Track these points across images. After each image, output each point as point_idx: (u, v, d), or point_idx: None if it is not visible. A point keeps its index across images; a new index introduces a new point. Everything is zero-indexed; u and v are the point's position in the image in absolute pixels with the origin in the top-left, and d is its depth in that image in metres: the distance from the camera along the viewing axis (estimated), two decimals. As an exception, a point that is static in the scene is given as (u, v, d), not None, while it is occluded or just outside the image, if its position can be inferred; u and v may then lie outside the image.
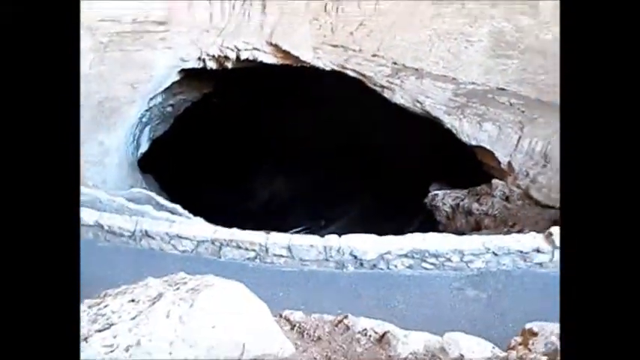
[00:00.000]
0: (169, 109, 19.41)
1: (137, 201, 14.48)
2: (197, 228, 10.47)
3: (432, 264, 9.14)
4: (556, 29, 14.51)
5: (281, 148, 24.22)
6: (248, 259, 9.59)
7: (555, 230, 9.22)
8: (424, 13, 14.92)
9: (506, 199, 15.04)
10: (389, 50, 15.20)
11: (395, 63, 15.29)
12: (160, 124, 19.55)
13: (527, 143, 14.75)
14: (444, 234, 9.74)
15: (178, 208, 15.61)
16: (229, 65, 16.33)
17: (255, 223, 19.33)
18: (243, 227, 17.36)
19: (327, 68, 15.70)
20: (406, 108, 15.55)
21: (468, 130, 15.06)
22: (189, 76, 17.66)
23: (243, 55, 15.80)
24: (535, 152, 14.72)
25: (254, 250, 9.51)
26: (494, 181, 15.33)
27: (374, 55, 15.29)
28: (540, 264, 9.21)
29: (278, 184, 24.49)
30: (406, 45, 15.12)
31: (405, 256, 9.13)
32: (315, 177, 22.82)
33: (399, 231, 12.02)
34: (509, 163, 14.95)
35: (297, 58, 15.54)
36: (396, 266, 9.18)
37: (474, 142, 15.17)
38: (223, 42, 15.63)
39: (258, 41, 15.59)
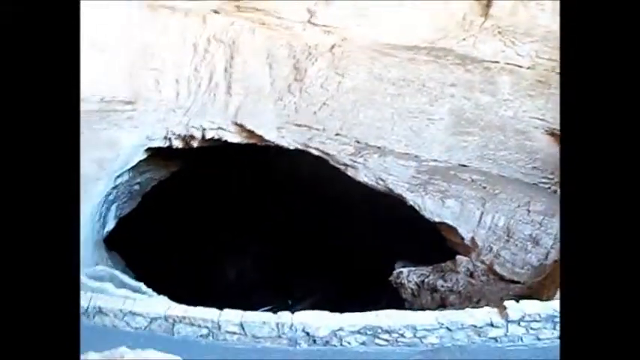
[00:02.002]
0: (136, 187, 19.38)
1: (100, 279, 14.33)
2: (150, 304, 10.31)
3: (385, 340, 9.12)
4: (514, 105, 14.93)
5: (249, 225, 24.20)
6: (201, 336, 9.48)
7: (509, 304, 9.26)
8: (386, 93, 15.26)
9: (471, 275, 15.07)
10: (352, 129, 15.46)
11: (358, 141, 15.52)
12: (127, 202, 19.48)
13: (489, 219, 14.90)
14: (397, 310, 9.65)
15: (142, 286, 15.44)
16: (195, 144, 16.44)
17: (223, 300, 19.26)
18: (209, 305, 17.29)
19: (291, 147, 15.86)
20: (369, 186, 15.68)
21: (430, 206, 15.18)
22: (156, 154, 17.75)
23: (209, 135, 15.93)
24: (498, 227, 14.85)
25: (207, 327, 9.44)
26: (459, 257, 15.39)
27: (337, 134, 15.52)
28: (495, 338, 9.18)
29: (246, 261, 24.36)
30: (369, 123, 15.40)
31: (358, 332, 9.11)
32: (282, 255, 22.78)
33: (366, 310, 12.01)
34: (473, 238, 15.04)
35: (261, 137, 15.72)
36: (349, 343, 9.12)
37: (437, 219, 15.27)
38: (189, 121, 15.77)
39: (224, 121, 15.76)
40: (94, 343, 5.12)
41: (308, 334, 9.14)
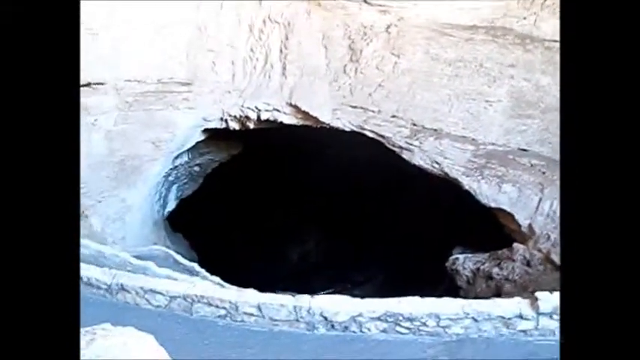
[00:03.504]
0: (197, 168, 19.65)
1: (154, 258, 14.57)
2: (170, 283, 10.26)
3: (406, 328, 8.66)
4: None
5: (311, 209, 24.20)
6: (219, 316, 9.34)
7: (541, 295, 8.71)
8: (442, 74, 14.86)
9: (528, 263, 14.48)
10: (407, 111, 15.14)
11: (414, 124, 15.19)
12: (188, 183, 19.78)
13: (547, 205, 14.26)
14: (420, 298, 9.19)
15: (195, 266, 15.61)
16: (251, 125, 16.48)
17: (283, 284, 19.38)
18: (271, 289, 17.40)
19: (347, 129, 15.68)
20: (424, 169, 15.33)
21: (487, 191, 14.70)
22: (215, 136, 17.92)
23: (264, 116, 15.94)
24: (556, 214, 14.20)
25: (224, 308, 9.27)
26: (515, 244, 14.81)
27: (393, 116, 15.23)
28: (524, 331, 8.66)
29: (309, 245, 24.38)
30: (425, 105, 15.04)
31: (379, 319, 8.70)
32: (343, 240, 22.65)
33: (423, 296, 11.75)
34: (530, 225, 14.45)
35: (316, 119, 15.59)
36: (369, 329, 8.77)
37: (493, 204, 14.77)
38: (244, 103, 15.82)
39: (279, 102, 15.72)
40: (114, 319, 5.16)
41: (326, 318, 8.85)
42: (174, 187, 19.04)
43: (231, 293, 9.58)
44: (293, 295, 9.40)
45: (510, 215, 14.70)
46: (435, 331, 8.67)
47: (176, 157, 17.37)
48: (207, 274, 15.54)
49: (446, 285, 17.03)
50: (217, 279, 15.34)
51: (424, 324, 8.63)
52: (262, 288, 16.77)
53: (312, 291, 18.90)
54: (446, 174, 15.07)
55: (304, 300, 9.09)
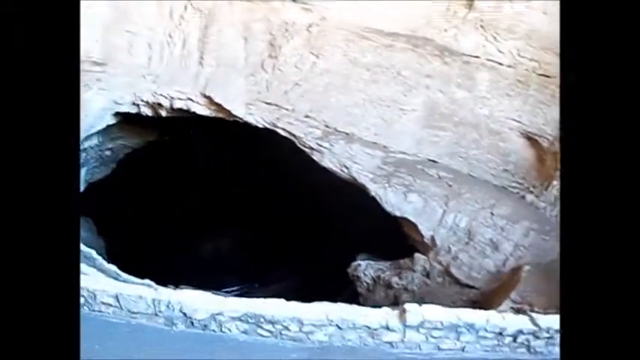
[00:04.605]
0: (108, 152, 19.06)
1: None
2: None
3: (268, 331, 8.41)
4: (491, 103, 14.30)
5: (229, 204, 23.89)
6: None
7: (409, 307, 8.56)
8: (359, 78, 14.71)
9: (427, 275, 14.51)
10: (321, 112, 14.96)
11: (326, 126, 15.01)
12: (98, 167, 19.19)
13: (451, 218, 14.30)
14: (284, 301, 8.91)
15: (93, 253, 15.11)
16: (163, 113, 16.05)
17: (192, 279, 18.98)
18: (183, 282, 17.00)
19: (259, 125, 15.40)
20: (333, 172, 15.17)
21: (392, 199, 14.62)
22: (129, 121, 17.42)
23: (177, 105, 15.53)
24: (459, 228, 14.26)
25: (82, 296, 8.84)
26: (417, 255, 14.83)
27: (306, 116, 15.02)
28: (390, 343, 8.48)
29: (223, 241, 24.03)
30: (339, 108, 14.88)
31: (239, 319, 8.42)
32: (260, 238, 22.41)
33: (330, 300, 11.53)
34: (432, 237, 14.46)
35: (228, 112, 15.26)
36: (230, 330, 8.48)
37: (397, 213, 14.70)
38: (158, 89, 15.39)
39: (192, 91, 15.34)
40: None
41: (185, 315, 8.55)
42: (83, 170, 18.41)
43: (89, 280, 9.11)
44: (155, 289, 9.03)
45: (414, 225, 14.66)
46: (298, 336, 8.44)
47: (85, 139, 16.77)
48: (104, 262, 15.07)
49: (350, 291, 16.92)
50: (114, 267, 14.89)
51: (286, 328, 8.40)
52: (166, 281, 16.51)
53: (219, 288, 18.72)
54: (354, 179, 14.94)
55: (164, 293, 8.76)
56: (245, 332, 8.47)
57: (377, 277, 15.56)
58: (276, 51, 14.91)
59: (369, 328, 8.47)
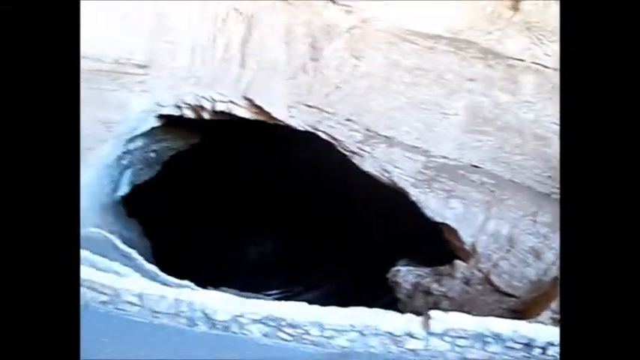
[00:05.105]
0: (152, 154, 19.28)
1: (91, 241, 14.21)
2: None
3: (289, 335, 8.29)
4: (536, 107, 13.95)
5: (272, 209, 23.93)
6: (101, 302, 8.94)
7: (434, 314, 8.31)
8: (400, 81, 14.52)
9: (467, 282, 14.20)
10: (362, 115, 14.81)
11: (367, 129, 14.85)
12: (143, 169, 19.42)
13: (493, 225, 13.98)
14: (307, 304, 8.75)
15: (133, 253, 15.30)
16: (206, 116, 16.16)
17: (236, 281, 19.08)
18: (225, 285, 17.09)
19: (300, 128, 15.35)
20: (374, 176, 14.99)
21: (433, 205, 14.37)
22: (172, 124, 17.57)
23: (219, 107, 15.61)
24: (500, 235, 13.92)
25: (106, 294, 8.88)
26: (457, 262, 14.53)
27: (347, 120, 14.90)
28: (413, 350, 8.24)
29: (267, 244, 24.07)
30: (381, 111, 14.70)
31: (260, 321, 8.32)
32: (300, 243, 22.37)
33: (369, 306, 11.40)
34: (473, 244, 14.14)
35: (269, 114, 15.26)
36: (251, 332, 8.39)
37: (438, 219, 14.43)
38: (200, 91, 15.50)
39: (234, 94, 15.39)
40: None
41: (207, 315, 8.51)
42: (128, 171, 18.68)
43: (113, 279, 9.15)
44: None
45: (455, 231, 14.37)
46: (319, 341, 8.28)
47: (129, 141, 17.01)
48: (145, 263, 15.23)
49: (390, 297, 16.70)
50: (154, 268, 15.03)
51: (307, 332, 8.25)
52: (210, 283, 16.60)
53: (261, 291, 18.74)
54: (394, 183, 14.74)
55: (186, 294, 8.73)
56: (266, 335, 8.38)
57: (416, 283, 15.31)
58: (317, 54, 14.84)
59: (392, 334, 8.27)
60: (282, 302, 8.63)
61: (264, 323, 8.34)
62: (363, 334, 8.25)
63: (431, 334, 8.12)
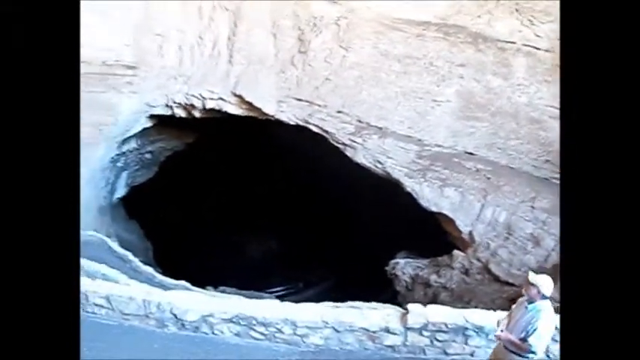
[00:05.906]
0: (148, 155, 19.12)
1: (87, 245, 14.11)
2: None
3: (261, 333, 8.04)
4: (529, 90, 13.62)
5: (273, 206, 23.79)
6: None
7: (412, 308, 7.99)
8: (390, 70, 14.24)
9: (466, 272, 13.94)
10: (353, 107, 14.57)
11: (359, 120, 14.60)
12: (140, 170, 19.29)
13: (490, 212, 13.72)
14: (278, 301, 8.50)
15: (129, 255, 15.21)
16: (197, 114, 16.00)
17: (240, 280, 18.92)
18: (229, 283, 16.95)
19: (291, 122, 15.13)
20: (367, 168, 14.75)
21: (428, 195, 14.12)
22: (166, 124, 17.41)
23: (209, 105, 15.43)
24: (498, 222, 13.65)
25: None
26: (455, 252, 14.27)
27: (338, 112, 14.66)
28: (392, 347, 7.96)
29: (268, 242, 23.93)
30: (371, 102, 14.45)
31: (231, 321, 8.09)
32: (302, 238, 22.18)
33: (370, 300, 11.21)
34: (470, 232, 13.89)
35: (260, 110, 15.05)
36: (222, 332, 8.16)
37: (434, 209, 14.19)
38: (189, 90, 15.32)
39: (224, 91, 15.19)
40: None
41: (176, 316, 8.30)
42: (125, 173, 18.56)
43: (83, 282, 8.95)
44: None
45: (451, 221, 14.11)
46: (292, 339, 8.03)
47: (123, 143, 16.87)
48: (140, 264, 15.13)
49: (391, 290, 16.47)
50: (149, 269, 14.94)
51: (279, 330, 8.00)
52: (211, 283, 16.45)
53: (264, 289, 18.55)
54: (388, 174, 14.51)
55: (155, 294, 8.52)
56: (238, 334, 8.16)
57: (415, 275, 15.05)
58: (305, 46, 14.60)
59: (368, 330, 7.98)
60: (253, 300, 8.40)
61: (234, 322, 8.11)
62: (337, 331, 7.98)
63: (409, 328, 7.82)
